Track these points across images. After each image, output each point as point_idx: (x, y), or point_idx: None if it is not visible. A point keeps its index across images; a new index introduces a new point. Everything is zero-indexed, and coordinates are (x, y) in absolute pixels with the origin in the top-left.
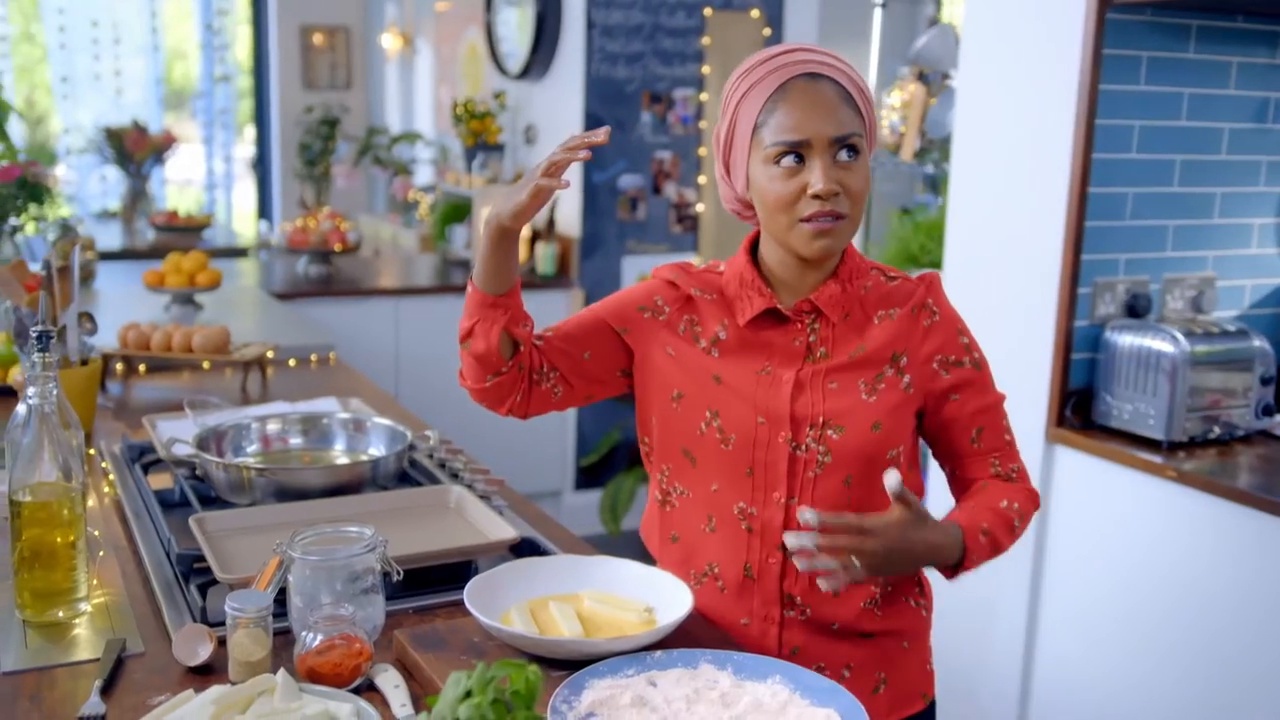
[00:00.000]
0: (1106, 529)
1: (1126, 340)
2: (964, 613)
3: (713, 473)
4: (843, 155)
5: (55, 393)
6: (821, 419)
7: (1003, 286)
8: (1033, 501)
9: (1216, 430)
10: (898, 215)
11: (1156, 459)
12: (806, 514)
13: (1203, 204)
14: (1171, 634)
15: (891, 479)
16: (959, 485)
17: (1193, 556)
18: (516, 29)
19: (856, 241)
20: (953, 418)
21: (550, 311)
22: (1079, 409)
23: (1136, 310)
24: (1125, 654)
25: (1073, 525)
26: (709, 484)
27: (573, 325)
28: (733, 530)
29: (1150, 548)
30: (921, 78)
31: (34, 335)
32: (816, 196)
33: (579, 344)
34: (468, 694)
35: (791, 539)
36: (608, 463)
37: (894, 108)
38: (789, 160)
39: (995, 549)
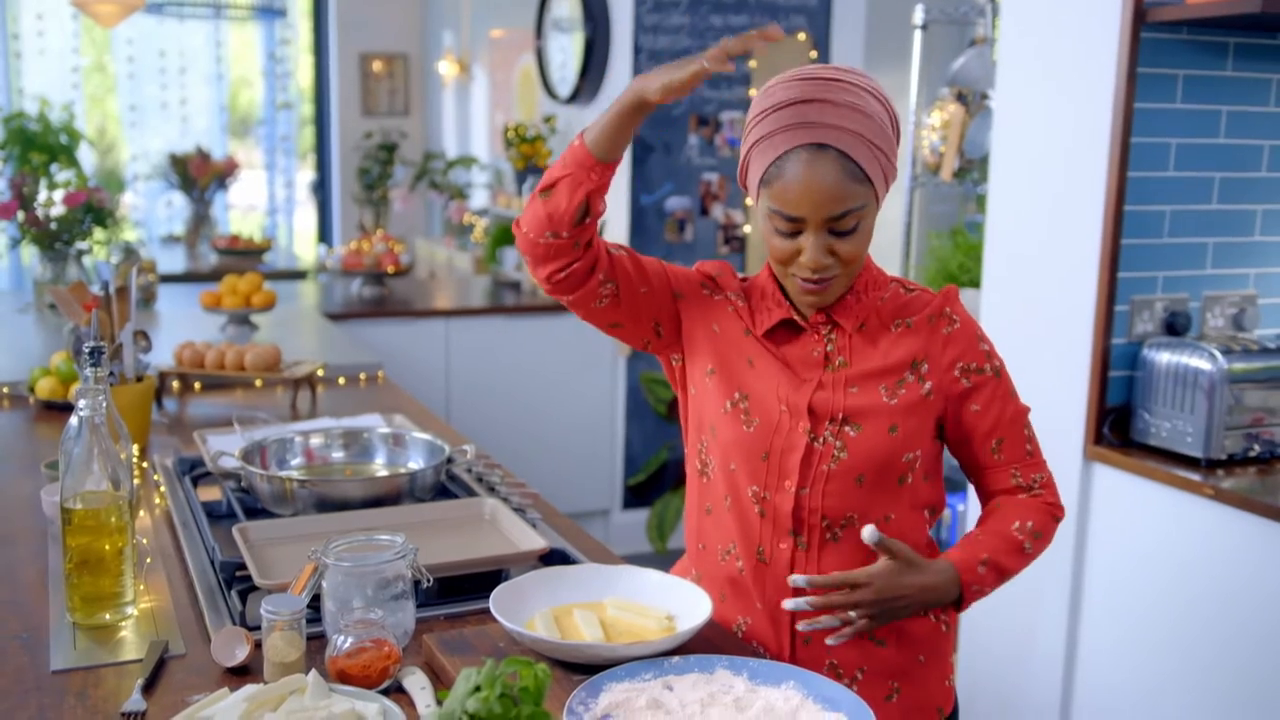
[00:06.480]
0: (1145, 547)
1: (1164, 358)
2: (1003, 631)
3: (732, 452)
4: (837, 228)
5: (106, 405)
6: (841, 414)
7: (1041, 304)
8: (1052, 515)
9: (1257, 448)
10: (934, 235)
11: (1195, 477)
12: (798, 579)
13: (1243, 221)
14: (1212, 652)
15: (868, 533)
16: (982, 497)
17: (1232, 574)
18: (567, 55)
19: (895, 262)
20: (972, 428)
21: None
22: (1117, 427)
23: (1176, 328)
24: (1166, 672)
25: (1111, 543)
26: (728, 463)
27: (645, 261)
28: (747, 512)
29: (1189, 566)
30: (960, 98)
31: (86, 351)
32: (807, 266)
33: (643, 278)
34: (477, 689)
35: (789, 603)
36: (655, 482)
37: (934, 128)
38: (785, 226)
39: (1002, 575)
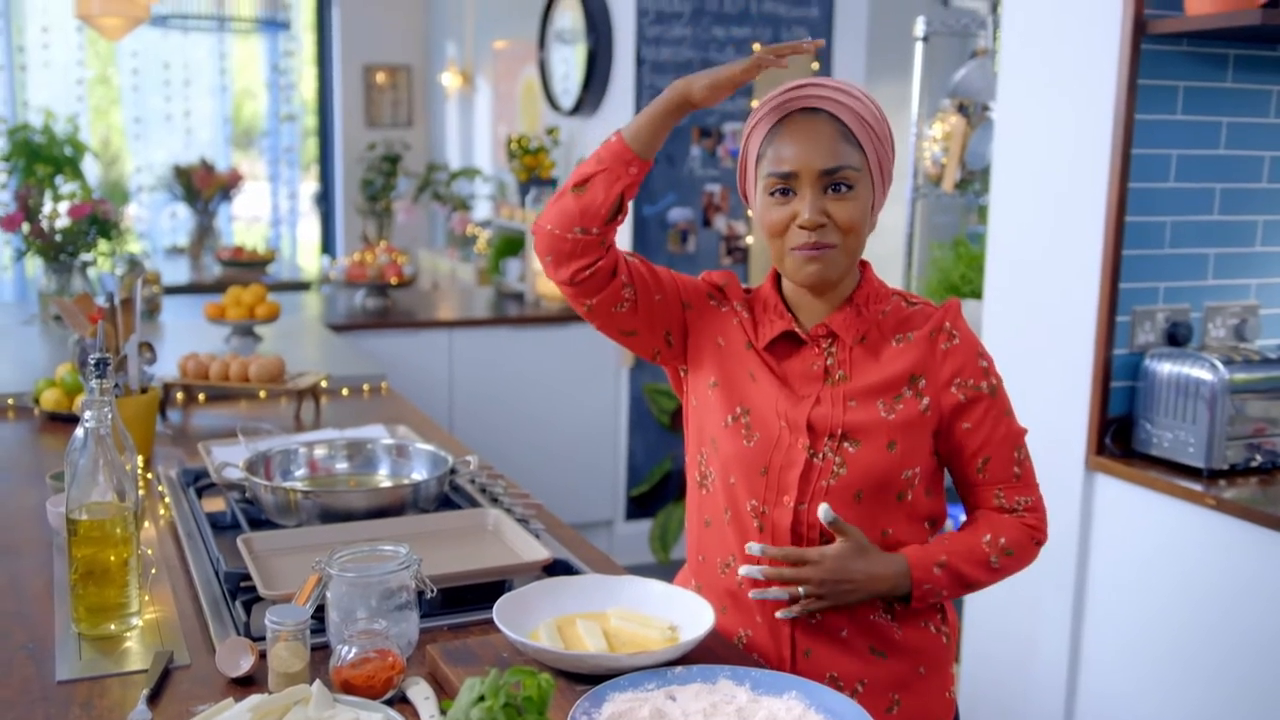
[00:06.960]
0: (1147, 557)
1: (1166, 368)
2: (1005, 641)
3: (732, 466)
4: (833, 189)
5: (111, 417)
6: (840, 430)
7: (1042, 315)
8: (1031, 537)
9: (1258, 458)
10: (936, 246)
11: (1196, 487)
12: (754, 547)
13: (1244, 232)
14: (1214, 662)
15: (823, 511)
16: (967, 515)
17: (1233, 584)
18: (570, 66)
19: (897, 273)
20: (960, 444)
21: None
22: (1119, 437)
23: (1177, 338)
24: (1168, 682)
25: (1113, 553)
26: (728, 476)
27: (659, 270)
28: (746, 526)
29: (1191, 576)
30: (962, 109)
31: (92, 362)
32: (803, 227)
33: (658, 286)
34: (481, 699)
35: (743, 569)
36: (658, 493)
37: (935, 139)
38: (781, 190)
39: (961, 582)
